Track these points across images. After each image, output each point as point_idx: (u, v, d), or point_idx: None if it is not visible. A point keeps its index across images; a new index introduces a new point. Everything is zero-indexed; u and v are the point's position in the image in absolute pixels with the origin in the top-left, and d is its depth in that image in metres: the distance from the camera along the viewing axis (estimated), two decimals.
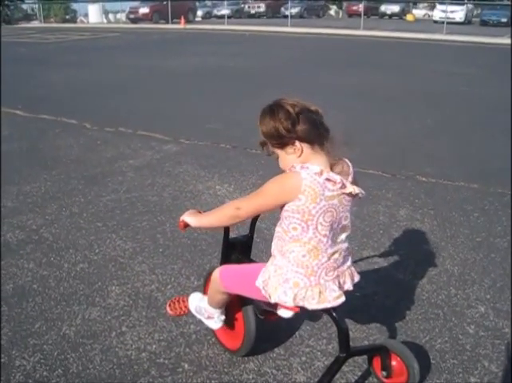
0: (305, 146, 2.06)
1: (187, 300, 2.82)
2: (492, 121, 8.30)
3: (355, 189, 2.10)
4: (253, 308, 2.60)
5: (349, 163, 2.18)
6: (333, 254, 2.18)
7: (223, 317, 2.67)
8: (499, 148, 6.75)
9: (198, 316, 2.72)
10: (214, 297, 2.57)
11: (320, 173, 2.03)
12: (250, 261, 2.69)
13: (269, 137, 2.10)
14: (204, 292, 2.85)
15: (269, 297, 2.21)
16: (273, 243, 2.26)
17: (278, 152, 2.13)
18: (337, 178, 2.05)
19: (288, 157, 2.10)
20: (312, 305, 2.17)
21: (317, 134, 2.07)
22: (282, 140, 2.07)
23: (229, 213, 2.20)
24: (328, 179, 2.04)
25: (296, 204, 2.04)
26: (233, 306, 2.66)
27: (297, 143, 2.05)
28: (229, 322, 2.73)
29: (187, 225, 2.36)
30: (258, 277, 2.26)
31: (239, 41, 22.45)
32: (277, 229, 2.22)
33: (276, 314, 2.50)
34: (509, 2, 39.72)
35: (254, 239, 2.75)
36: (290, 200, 2.05)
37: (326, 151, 2.09)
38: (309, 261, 2.13)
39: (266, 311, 2.57)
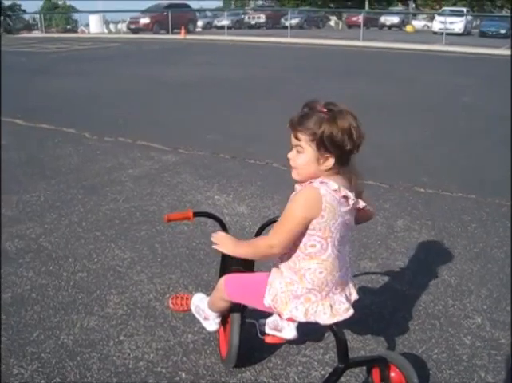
0: (335, 166, 2.03)
1: (190, 298, 2.84)
2: (490, 132, 8.33)
3: (362, 204, 2.12)
4: (241, 319, 2.60)
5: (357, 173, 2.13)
6: (343, 268, 2.19)
7: (218, 320, 2.69)
8: (497, 158, 6.78)
9: (197, 316, 2.74)
10: (216, 303, 2.58)
11: (339, 191, 2.02)
12: (251, 270, 2.71)
13: (326, 138, 1.97)
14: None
15: (282, 313, 2.20)
16: (279, 258, 2.22)
17: (309, 150, 2.03)
18: (351, 195, 2.05)
19: (313, 163, 2.04)
20: (324, 320, 2.16)
21: (349, 157, 2.05)
22: (330, 148, 1.98)
23: (263, 252, 2.15)
24: (344, 197, 2.04)
25: (319, 221, 2.03)
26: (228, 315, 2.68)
27: (332, 159, 2.01)
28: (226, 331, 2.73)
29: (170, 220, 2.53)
30: (265, 295, 2.24)
31: (239, 52, 22.53)
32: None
33: (279, 337, 2.50)
34: (507, 14, 39.98)
35: None
36: (316, 215, 2.01)
37: (348, 171, 2.08)
38: (325, 277, 2.13)
39: (269, 336, 2.56)
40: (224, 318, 2.70)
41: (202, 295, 2.78)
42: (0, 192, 5.21)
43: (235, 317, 2.60)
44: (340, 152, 1.99)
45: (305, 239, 2.10)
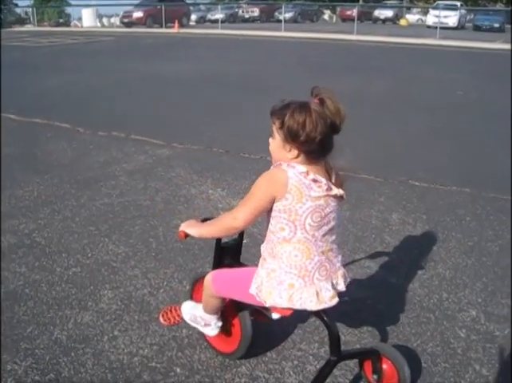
0: (302, 155, 2.09)
1: (179, 308, 2.81)
2: (485, 126, 8.34)
3: (339, 191, 2.14)
4: (249, 312, 2.60)
5: (332, 165, 2.20)
6: (324, 253, 2.18)
7: (220, 324, 2.66)
8: (492, 153, 6.79)
9: (194, 324, 2.71)
10: (208, 302, 2.56)
11: (307, 173, 2.06)
12: (240, 264, 2.70)
13: (286, 128, 2.05)
14: (191, 298, 2.85)
15: (265, 302, 2.21)
16: (262, 246, 2.27)
17: (277, 137, 2.12)
18: (323, 179, 2.09)
19: (281, 149, 2.12)
20: (310, 306, 2.16)
21: (319, 152, 2.10)
22: (292, 139, 2.06)
23: (226, 225, 2.19)
24: (314, 181, 2.07)
25: (283, 204, 2.07)
26: (227, 310, 2.66)
27: (295, 149, 2.08)
28: (223, 327, 2.72)
29: (187, 235, 2.36)
30: (251, 284, 2.25)
31: (233, 46, 22.48)
32: (266, 233, 2.22)
33: (265, 316, 2.52)
34: (501, 8, 40.01)
35: (247, 244, 2.76)
36: (279, 197, 2.06)
37: (321, 163, 2.14)
38: (301, 261, 2.14)
39: (257, 311, 2.58)
40: (224, 314, 2.67)
41: (192, 302, 2.76)
42: (0, 188, 5.19)
43: (245, 314, 2.60)
44: (298, 143, 2.05)
45: (273, 222, 2.14)
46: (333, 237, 2.23)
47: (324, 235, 2.17)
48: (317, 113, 2.02)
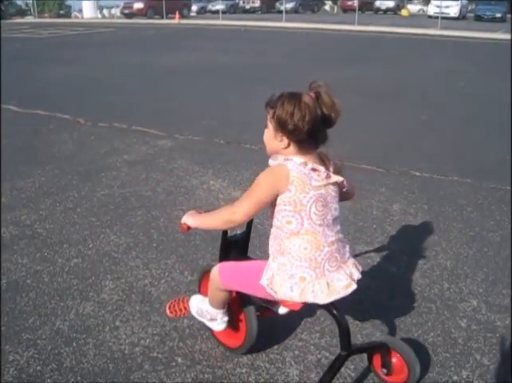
0: (293, 145, 2.11)
1: (186, 300, 2.81)
2: (486, 117, 8.32)
3: (339, 178, 2.15)
4: (254, 306, 2.60)
5: (326, 154, 2.22)
6: (333, 243, 2.18)
7: (226, 319, 2.64)
8: (492, 143, 6.78)
9: (200, 318, 2.70)
10: (215, 295, 2.55)
11: (305, 164, 2.08)
12: (248, 258, 2.70)
13: (276, 117, 2.09)
14: (199, 292, 2.85)
15: (275, 294, 2.19)
16: (270, 245, 2.25)
17: (270, 127, 2.15)
18: (322, 168, 2.10)
19: (273, 139, 2.15)
20: (322, 299, 2.15)
21: (310, 142, 2.11)
22: (281, 128, 2.09)
23: (225, 218, 2.19)
24: (313, 170, 2.08)
25: (287, 196, 2.07)
26: (233, 305, 2.65)
27: (286, 139, 2.10)
28: (229, 321, 2.70)
29: (189, 227, 2.36)
30: (262, 275, 2.23)
31: (234, 37, 22.41)
32: (272, 229, 2.22)
33: (272, 311, 2.51)
34: None
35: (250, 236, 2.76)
36: (282, 190, 2.07)
37: (314, 154, 2.15)
38: (311, 253, 2.13)
39: (263, 307, 2.58)
40: (230, 309, 2.66)
41: (200, 296, 2.75)
42: (0, 178, 5.20)
43: (250, 309, 2.59)
44: (287, 132, 2.08)
45: (279, 217, 2.14)
46: (338, 227, 2.23)
47: (329, 225, 2.17)
48: (306, 104, 2.05)
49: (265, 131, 2.19)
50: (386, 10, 43.19)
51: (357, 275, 2.25)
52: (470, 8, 40.34)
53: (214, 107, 8.75)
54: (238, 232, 2.76)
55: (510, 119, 7.49)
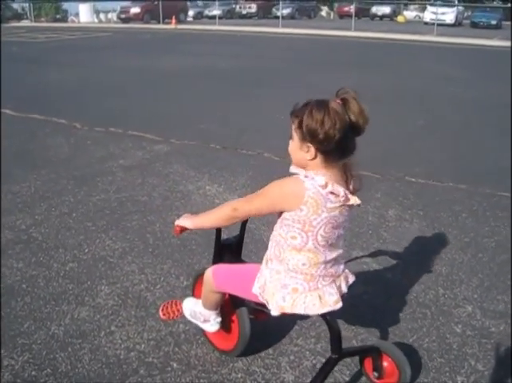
0: (320, 156, 2.03)
1: (179, 303, 2.82)
2: (481, 122, 8.35)
3: (356, 200, 2.09)
4: (247, 308, 2.60)
5: (350, 168, 2.14)
6: (331, 261, 2.18)
7: (219, 320, 2.65)
8: (488, 149, 6.80)
9: (194, 321, 2.71)
10: (208, 297, 2.56)
11: (325, 185, 2.00)
12: (241, 261, 2.70)
13: (305, 127, 1.99)
14: (193, 295, 2.86)
15: (267, 303, 2.20)
16: (269, 246, 2.25)
17: (295, 137, 2.06)
18: (341, 191, 2.03)
19: (299, 150, 2.05)
20: (313, 311, 2.16)
21: (338, 153, 2.03)
22: (310, 138, 1.99)
23: (226, 214, 2.18)
24: (331, 193, 2.01)
25: (297, 214, 2.02)
26: (226, 307, 2.66)
27: (313, 149, 2.01)
28: (222, 324, 2.72)
29: (182, 230, 2.36)
30: (255, 283, 2.24)
31: (230, 42, 22.44)
32: (275, 233, 2.20)
33: (265, 314, 2.51)
34: (499, 5, 40.01)
35: (244, 240, 2.76)
36: (290, 208, 2.03)
37: (339, 165, 2.07)
38: (308, 269, 2.13)
39: (256, 310, 2.58)
40: (222, 311, 2.67)
41: (193, 299, 2.76)
42: (0, 181, 5.19)
43: (243, 311, 2.60)
44: (316, 142, 1.99)
45: (285, 228, 2.11)
46: (341, 242, 2.22)
47: (333, 244, 2.15)
48: (334, 111, 1.96)
49: (290, 142, 2.09)
50: (382, 16, 43.26)
51: (344, 289, 2.26)
52: (466, 15, 40.47)
53: (210, 111, 8.75)
54: (232, 235, 2.77)
55: (510, 124, 7.50)
